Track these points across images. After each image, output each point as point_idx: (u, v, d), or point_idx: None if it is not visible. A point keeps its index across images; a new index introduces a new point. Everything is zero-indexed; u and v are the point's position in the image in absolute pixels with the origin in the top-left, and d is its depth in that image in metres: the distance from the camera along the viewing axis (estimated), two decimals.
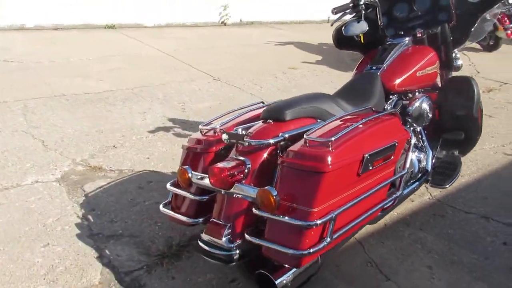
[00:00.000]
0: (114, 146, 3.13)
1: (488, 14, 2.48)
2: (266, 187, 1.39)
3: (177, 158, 2.92)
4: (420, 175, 2.19)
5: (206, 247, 1.53)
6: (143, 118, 3.66)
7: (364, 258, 2.06)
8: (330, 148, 1.38)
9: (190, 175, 1.63)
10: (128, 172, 2.78)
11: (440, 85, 2.55)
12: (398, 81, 2.17)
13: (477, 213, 2.49)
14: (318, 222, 1.32)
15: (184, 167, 1.66)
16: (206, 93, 4.42)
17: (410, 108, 2.22)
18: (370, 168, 1.52)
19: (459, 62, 2.56)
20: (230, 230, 1.49)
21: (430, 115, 2.29)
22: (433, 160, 2.31)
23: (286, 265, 1.41)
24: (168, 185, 1.83)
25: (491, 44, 7.56)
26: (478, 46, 7.22)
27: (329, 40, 8.06)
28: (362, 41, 2.53)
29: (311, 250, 1.32)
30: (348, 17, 2.46)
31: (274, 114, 1.66)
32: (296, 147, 1.46)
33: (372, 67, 2.25)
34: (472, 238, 2.27)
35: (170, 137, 3.32)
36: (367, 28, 2.33)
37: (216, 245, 1.50)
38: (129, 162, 2.91)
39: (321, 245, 1.33)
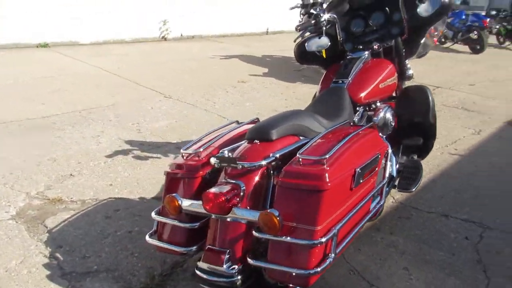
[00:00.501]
0: (71, 174, 2.96)
1: (433, 26, 2.66)
2: (268, 210, 1.39)
3: (142, 183, 2.86)
4: (388, 181, 2.31)
5: (206, 276, 1.49)
6: (98, 142, 3.50)
7: (346, 266, 2.12)
8: (325, 166, 1.42)
9: (180, 202, 1.59)
10: (91, 201, 2.64)
11: (396, 94, 2.71)
12: (364, 93, 2.27)
13: (437, 212, 2.67)
14: (323, 240, 1.34)
15: (172, 194, 1.61)
16: (159, 112, 4.33)
17: (376, 118, 2.33)
18: (361, 181, 1.59)
19: (410, 72, 2.73)
20: (229, 256, 1.47)
21: (393, 124, 2.43)
22: (397, 166, 2.44)
23: (292, 286, 1.41)
24: (153, 214, 1.76)
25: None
26: None
27: (272, 52, 8.32)
28: (324, 55, 2.62)
29: (319, 269, 1.34)
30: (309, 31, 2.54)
31: (260, 134, 1.67)
32: (291, 167, 1.47)
33: (338, 81, 2.33)
34: (437, 236, 2.42)
35: (130, 161, 3.20)
36: (329, 43, 2.43)
37: (217, 272, 1.47)
38: (90, 190, 2.76)
39: (327, 262, 1.36)
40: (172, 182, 1.73)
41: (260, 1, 10.25)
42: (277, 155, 1.57)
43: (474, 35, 8.85)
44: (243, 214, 1.47)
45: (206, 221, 1.62)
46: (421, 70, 6.89)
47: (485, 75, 6.92)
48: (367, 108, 2.40)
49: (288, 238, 1.37)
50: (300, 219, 1.37)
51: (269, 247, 1.44)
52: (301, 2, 6.79)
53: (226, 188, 1.49)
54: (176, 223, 1.65)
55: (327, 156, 1.44)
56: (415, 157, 2.62)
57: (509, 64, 8.04)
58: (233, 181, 1.53)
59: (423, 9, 2.39)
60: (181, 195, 1.64)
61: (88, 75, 5.60)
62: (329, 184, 1.37)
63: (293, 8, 6.79)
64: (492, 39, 10.05)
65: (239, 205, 1.48)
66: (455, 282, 2.06)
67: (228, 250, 1.48)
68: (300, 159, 1.48)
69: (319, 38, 2.45)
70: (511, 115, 4.71)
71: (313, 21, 2.45)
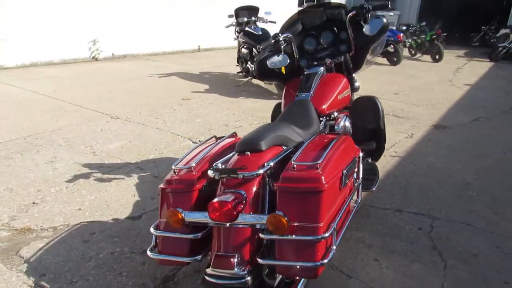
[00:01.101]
0: (33, 203, 2.85)
1: (376, 43, 3.00)
2: (275, 213, 1.53)
3: (111, 205, 2.84)
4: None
5: (218, 281, 1.58)
6: (54, 168, 3.39)
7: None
8: (319, 170, 1.60)
9: (183, 215, 1.67)
10: (63, 227, 2.58)
11: (348, 105, 3.00)
12: (326, 105, 2.51)
13: (391, 208, 2.99)
14: (327, 234, 1.52)
15: (175, 208, 1.69)
16: (110, 133, 4.26)
17: (337, 127, 2.59)
18: (346, 182, 1.79)
19: (357, 84, 3.05)
20: (239, 259, 1.58)
21: (351, 131, 2.71)
22: None
23: (298, 278, 1.57)
24: (152, 230, 1.81)
25: None
26: None
27: (209, 69, 8.47)
28: (284, 72, 2.84)
29: (325, 260, 1.51)
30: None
31: (251, 146, 1.80)
32: (288, 173, 1.63)
33: (302, 95, 2.55)
34: (395, 229, 2.73)
35: (93, 184, 3.15)
36: (288, 60, 2.66)
37: (228, 276, 1.57)
38: (59, 217, 2.69)
39: (331, 254, 1.54)
40: (168, 197, 1.80)
41: (192, 19, 10.39)
42: (271, 164, 1.72)
43: (391, 49, 9.77)
44: (251, 219, 1.60)
45: (207, 231, 1.73)
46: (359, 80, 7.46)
47: (405, 85, 7.69)
48: (327, 118, 2.65)
49: (294, 236, 1.52)
50: (304, 218, 1.53)
51: (276, 247, 1.58)
52: (235, 21, 7.06)
53: (230, 197, 1.60)
54: (178, 235, 1.73)
55: (319, 161, 1.63)
56: (369, 160, 2.93)
57: (423, 74, 9.00)
58: (235, 190, 1.65)
59: (367, 29, 2.70)
60: (180, 206, 1.72)
61: (24, 100, 5.31)
62: (326, 186, 1.56)
63: (228, 26, 7.06)
64: (405, 52, 11.14)
65: (243, 212, 1.61)
66: (419, 267, 2.35)
67: (237, 254, 1.59)
68: (295, 165, 1.65)
69: (278, 56, 2.66)
70: (435, 119, 5.34)
71: (272, 41, 2.66)
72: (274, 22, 7.28)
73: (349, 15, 2.75)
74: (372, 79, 8.18)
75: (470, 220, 2.88)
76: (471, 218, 2.91)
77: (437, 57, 11.14)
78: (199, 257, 1.73)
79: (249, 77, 6.81)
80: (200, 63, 8.97)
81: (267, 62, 2.67)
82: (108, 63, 8.38)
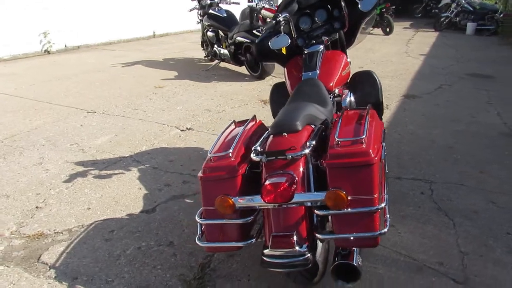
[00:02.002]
0: (37, 207, 2.72)
1: (366, 20, 3.08)
2: (333, 189, 1.59)
3: (120, 200, 2.78)
4: None
5: (279, 260, 1.63)
6: (45, 170, 3.23)
7: None
8: (365, 145, 1.67)
9: (233, 201, 1.69)
10: (78, 229, 2.50)
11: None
12: (333, 82, 2.57)
13: (391, 176, 3.15)
14: (383, 204, 1.60)
15: (225, 195, 1.70)
16: (92, 128, 4.10)
17: (343, 102, 2.67)
18: (385, 153, 1.88)
19: (348, 60, 3.14)
20: (297, 237, 1.64)
21: (355, 106, 2.80)
22: None
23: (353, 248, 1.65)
24: (198, 219, 1.81)
25: None
26: None
27: (171, 54, 8.27)
28: (284, 52, 2.87)
29: (385, 229, 1.60)
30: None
31: (288, 127, 1.84)
32: (336, 149, 1.68)
33: (308, 73, 2.60)
34: (401, 195, 2.89)
35: (94, 182, 3.05)
36: (289, 41, 2.68)
37: (290, 254, 1.62)
38: (71, 218, 2.60)
39: (388, 223, 1.63)
40: (212, 185, 1.79)
41: (145, 4, 10.02)
42: (313, 142, 1.77)
43: None
44: (308, 197, 1.65)
45: (256, 215, 1.76)
46: None
47: (366, 58, 7.95)
48: (334, 95, 2.72)
49: (351, 209, 1.60)
50: (358, 191, 1.60)
51: (333, 221, 1.65)
52: (198, 4, 6.91)
53: (283, 178, 1.64)
54: (228, 221, 1.75)
55: (364, 136, 1.70)
56: None
57: (379, 47, 9.32)
58: (284, 172, 1.69)
59: (362, 6, 2.76)
60: (224, 193, 1.74)
61: None
62: (376, 158, 1.64)
63: (192, 9, 6.91)
64: None
65: (296, 191, 1.65)
66: (431, 228, 2.53)
67: (295, 232, 1.65)
68: (339, 142, 1.71)
69: (278, 37, 2.67)
70: (404, 89, 5.60)
71: (273, 21, 2.67)
72: (238, 3, 7.23)
73: None
74: None
75: (462, 180, 3.11)
76: (462, 178, 3.14)
77: (387, 30, 11.55)
78: (253, 240, 1.76)
79: (217, 61, 6.74)
80: (159, 49, 8.73)
81: (269, 43, 2.68)
82: (63, 56, 7.94)
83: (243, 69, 6.61)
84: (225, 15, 6.43)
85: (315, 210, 1.67)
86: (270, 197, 1.62)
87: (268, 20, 8.86)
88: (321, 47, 2.80)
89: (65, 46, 8.45)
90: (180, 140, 3.84)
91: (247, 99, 5.15)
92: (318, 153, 1.84)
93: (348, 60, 3.13)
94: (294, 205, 1.66)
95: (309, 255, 1.64)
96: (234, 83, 5.94)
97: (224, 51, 6.40)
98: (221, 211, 1.72)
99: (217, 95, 5.30)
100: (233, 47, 6.17)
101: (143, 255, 2.26)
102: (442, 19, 12.68)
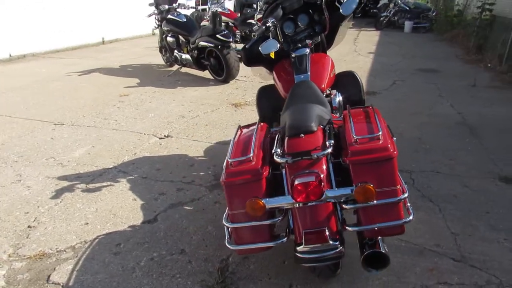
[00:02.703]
0: (29, 226, 2.60)
1: (346, 20, 3.23)
2: (362, 183, 1.70)
3: (118, 213, 2.73)
4: None
5: (314, 255, 1.72)
6: (27, 187, 3.07)
7: None
8: (382, 141, 1.80)
9: (264, 202, 1.75)
10: (82, 245, 2.42)
11: None
12: (324, 83, 2.70)
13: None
14: (406, 194, 1.74)
15: (255, 197, 1.75)
16: (65, 141, 3.94)
17: (333, 102, 2.81)
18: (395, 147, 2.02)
19: None
20: (329, 232, 1.73)
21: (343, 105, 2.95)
22: None
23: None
24: (226, 223, 1.85)
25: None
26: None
27: (127, 61, 8.09)
28: (273, 56, 2.95)
29: (411, 217, 1.74)
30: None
31: (305, 128, 1.92)
32: (356, 147, 1.79)
33: (300, 76, 2.70)
34: None
35: (83, 196, 2.95)
36: (279, 45, 2.78)
37: (323, 249, 1.72)
38: (70, 235, 2.51)
39: (411, 211, 1.77)
40: (238, 189, 1.84)
41: (93, 10, 9.66)
42: (332, 142, 1.87)
43: None
44: (337, 193, 1.75)
45: (285, 214, 1.84)
46: None
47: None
48: (325, 95, 2.85)
49: (375, 202, 1.72)
50: (382, 184, 1.72)
51: (361, 214, 1.76)
52: (156, 9, 6.85)
53: (311, 177, 1.73)
54: (259, 223, 1.80)
55: (380, 133, 1.83)
56: None
57: None
58: (310, 171, 1.77)
59: (344, 9, 2.91)
60: (251, 196, 1.79)
61: None
62: (394, 152, 1.77)
63: (150, 15, 6.83)
64: None
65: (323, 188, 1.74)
66: (422, 214, 2.73)
67: (326, 228, 1.74)
68: (357, 139, 1.83)
69: (268, 42, 2.75)
70: (364, 87, 5.89)
71: (263, 27, 2.75)
72: (195, 8, 7.22)
73: None
74: None
75: (436, 168, 3.37)
76: (435, 166, 3.41)
77: None
78: (283, 239, 1.82)
79: (179, 66, 6.68)
80: (113, 56, 8.47)
81: (260, 48, 2.74)
82: (9, 66, 7.47)
83: (205, 74, 6.61)
84: (185, 20, 6.40)
85: (342, 205, 1.77)
86: (302, 196, 1.70)
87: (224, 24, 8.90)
88: (308, 50, 2.91)
89: (10, 55, 7.96)
90: (161, 148, 3.80)
91: (218, 104, 5.18)
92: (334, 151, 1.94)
93: None
94: (323, 202, 1.75)
95: (341, 247, 1.74)
96: (200, 88, 5.94)
97: (186, 56, 6.37)
98: (252, 213, 1.77)
99: (187, 101, 5.28)
100: (196, 51, 6.16)
101: (158, 265, 2.25)
102: (381, 19, 13.41)
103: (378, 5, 14.56)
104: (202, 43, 5.94)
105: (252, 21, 9.07)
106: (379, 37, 11.70)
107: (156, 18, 6.77)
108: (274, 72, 2.98)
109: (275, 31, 2.89)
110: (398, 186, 1.75)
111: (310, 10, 3.04)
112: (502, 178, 3.22)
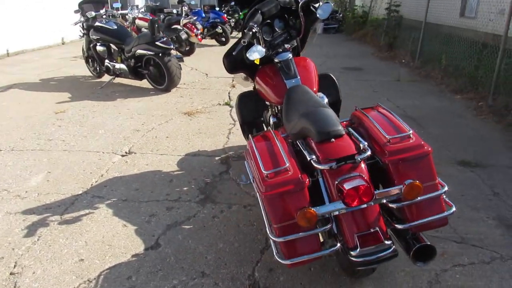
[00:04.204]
0: (11, 273, 2.22)
1: (316, 24, 3.30)
2: (409, 180, 1.74)
3: (113, 243, 2.49)
4: None
5: (371, 257, 1.72)
6: None
7: None
8: (413, 138, 1.88)
9: (315, 211, 1.72)
10: (86, 285, 2.14)
11: None
12: (315, 86, 2.74)
13: None
14: (446, 187, 1.84)
15: (306, 207, 1.71)
16: (13, 170, 3.45)
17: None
18: None
19: None
20: (382, 232, 1.76)
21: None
22: None
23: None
24: (275, 238, 1.77)
25: (187, 49, 8.93)
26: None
27: (45, 74, 7.46)
28: (258, 62, 2.92)
29: (454, 208, 1.83)
30: None
31: (335, 133, 1.92)
32: (391, 146, 1.84)
33: (291, 81, 2.70)
34: None
35: (63, 229, 2.62)
36: (265, 51, 2.76)
37: (380, 249, 1.73)
38: (69, 275, 2.20)
39: (451, 203, 1.87)
40: (282, 201, 1.78)
41: None
42: (366, 143, 1.90)
43: (219, 30, 10.27)
44: (388, 192, 1.78)
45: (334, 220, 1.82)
46: (206, 64, 7.71)
47: None
48: None
49: (426, 195, 1.78)
50: (423, 179, 1.79)
51: (407, 211, 1.81)
52: (83, 18, 6.40)
53: (359, 180, 1.73)
54: (310, 232, 1.76)
55: (411, 131, 1.91)
56: None
57: None
58: (354, 174, 1.78)
59: (320, 14, 2.97)
60: (299, 206, 1.76)
61: None
62: (429, 149, 1.86)
63: (77, 23, 6.35)
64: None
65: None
66: None
67: (378, 228, 1.76)
68: (390, 139, 1.88)
69: (254, 48, 2.71)
70: None
71: (250, 33, 2.70)
72: (126, 14, 6.81)
73: (302, 1, 2.96)
74: (215, 61, 8.55)
75: None
76: None
77: None
78: (337, 245, 1.80)
79: (112, 77, 6.25)
80: (26, 69, 7.63)
81: (248, 54, 2.69)
82: None
83: (143, 83, 6.29)
84: (116, 27, 6.01)
85: (389, 204, 1.81)
86: (356, 200, 1.70)
87: (143, 29, 8.55)
88: (290, 54, 2.92)
89: None
90: (129, 166, 3.53)
91: (169, 114, 4.95)
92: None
93: None
94: (373, 203, 1.78)
95: (393, 246, 1.78)
96: (143, 99, 5.63)
97: (120, 65, 5.99)
98: (305, 223, 1.73)
99: (134, 113, 4.96)
100: (132, 60, 5.82)
101: None
102: None
103: None
104: (140, 51, 5.64)
105: (178, 26, 8.87)
106: None
107: (82, 25, 6.25)
108: (258, 79, 2.95)
109: (257, 37, 2.87)
110: (437, 180, 1.85)
111: (286, 15, 3.07)
112: (460, 163, 3.57)
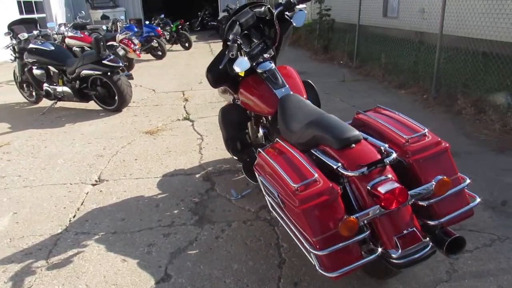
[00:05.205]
0: None
1: (288, 32, 3.30)
2: (439, 177, 1.79)
3: (118, 281, 2.28)
4: None
5: (413, 257, 1.74)
6: None
7: None
8: (429, 136, 1.94)
9: (356, 218, 1.71)
10: None
11: None
12: (304, 93, 2.75)
13: None
14: (468, 180, 1.91)
15: (349, 216, 1.69)
16: None
17: None
18: None
19: None
20: (418, 231, 1.79)
21: None
22: None
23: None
24: (316, 252, 1.72)
25: (126, 65, 8.58)
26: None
27: None
28: (242, 74, 2.86)
29: (478, 199, 1.91)
30: None
31: (355, 138, 1.93)
32: (412, 146, 1.89)
33: (281, 90, 2.68)
34: None
35: (57, 274, 2.34)
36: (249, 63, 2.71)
37: (420, 248, 1.75)
38: None
39: (473, 194, 1.94)
40: (319, 212, 1.74)
41: None
42: (387, 145, 1.93)
43: (155, 44, 9.98)
44: (418, 191, 1.81)
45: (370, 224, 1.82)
46: (149, 80, 7.45)
47: (193, 74, 8.22)
48: None
49: (452, 190, 1.84)
50: (447, 175, 1.85)
51: (435, 207, 1.86)
52: (15, 41, 5.95)
53: (392, 183, 1.75)
54: (351, 241, 1.74)
55: (426, 130, 1.97)
56: None
57: (195, 61, 9.70)
58: (385, 177, 1.80)
59: (295, 21, 2.99)
60: (336, 216, 1.74)
61: None
62: (447, 144, 1.93)
63: (9, 46, 5.84)
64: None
65: None
66: None
67: (414, 228, 1.79)
68: (408, 139, 1.93)
69: (239, 60, 2.66)
70: None
71: (235, 44, 2.65)
72: (62, 34, 6.35)
73: (277, 11, 2.96)
74: (157, 75, 8.33)
75: None
76: None
77: (187, 44, 12.08)
78: (379, 250, 1.79)
79: (53, 101, 5.78)
80: None
81: (234, 67, 2.63)
82: None
83: (88, 105, 5.91)
84: (53, 48, 5.58)
85: (418, 202, 1.85)
86: (394, 203, 1.71)
87: (74, 48, 8.06)
88: (272, 64, 2.91)
89: None
90: (105, 195, 3.26)
91: (129, 135, 4.69)
92: None
93: None
94: (407, 204, 1.80)
95: (431, 244, 1.81)
96: (94, 121, 5.27)
97: (63, 88, 5.57)
98: (347, 232, 1.71)
99: (91, 138, 4.62)
100: (77, 82, 5.44)
101: None
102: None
103: (219, 18, 15.15)
104: (86, 72, 5.28)
105: (114, 43, 8.50)
106: None
107: (12, 49, 5.72)
108: (242, 90, 2.90)
109: (241, 48, 2.82)
110: (458, 174, 1.93)
111: (261, 25, 3.05)
112: None
